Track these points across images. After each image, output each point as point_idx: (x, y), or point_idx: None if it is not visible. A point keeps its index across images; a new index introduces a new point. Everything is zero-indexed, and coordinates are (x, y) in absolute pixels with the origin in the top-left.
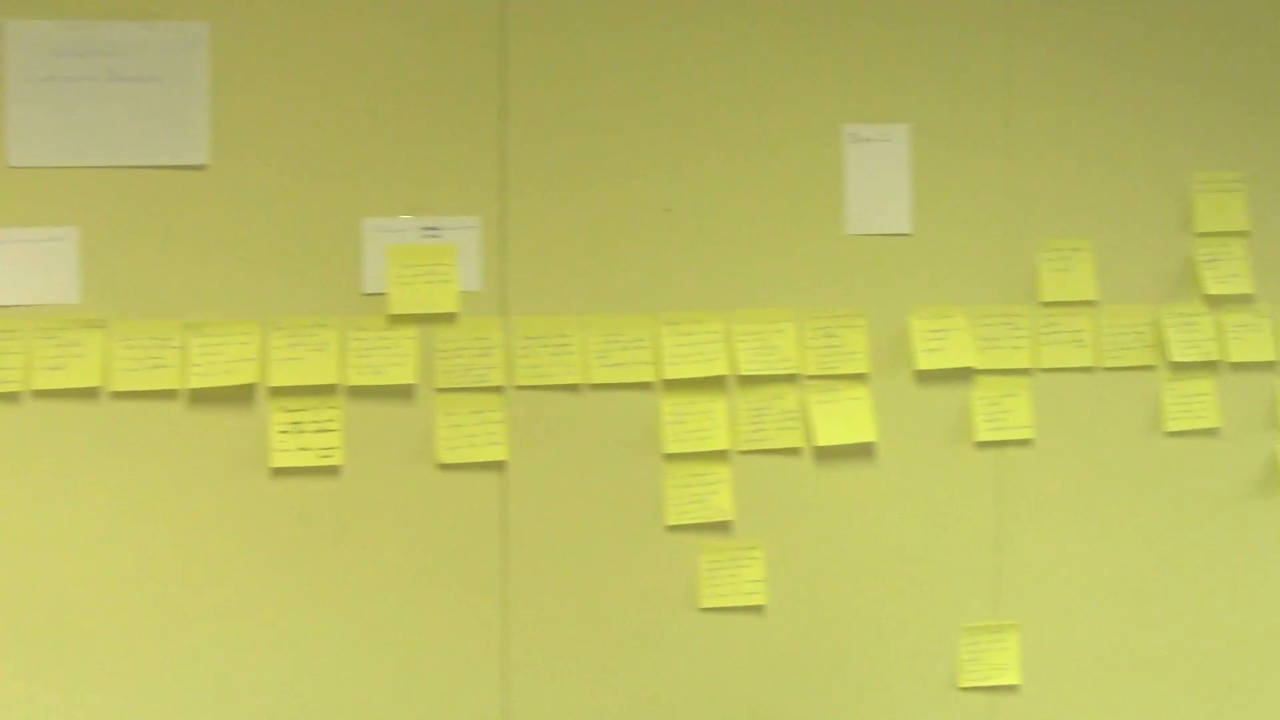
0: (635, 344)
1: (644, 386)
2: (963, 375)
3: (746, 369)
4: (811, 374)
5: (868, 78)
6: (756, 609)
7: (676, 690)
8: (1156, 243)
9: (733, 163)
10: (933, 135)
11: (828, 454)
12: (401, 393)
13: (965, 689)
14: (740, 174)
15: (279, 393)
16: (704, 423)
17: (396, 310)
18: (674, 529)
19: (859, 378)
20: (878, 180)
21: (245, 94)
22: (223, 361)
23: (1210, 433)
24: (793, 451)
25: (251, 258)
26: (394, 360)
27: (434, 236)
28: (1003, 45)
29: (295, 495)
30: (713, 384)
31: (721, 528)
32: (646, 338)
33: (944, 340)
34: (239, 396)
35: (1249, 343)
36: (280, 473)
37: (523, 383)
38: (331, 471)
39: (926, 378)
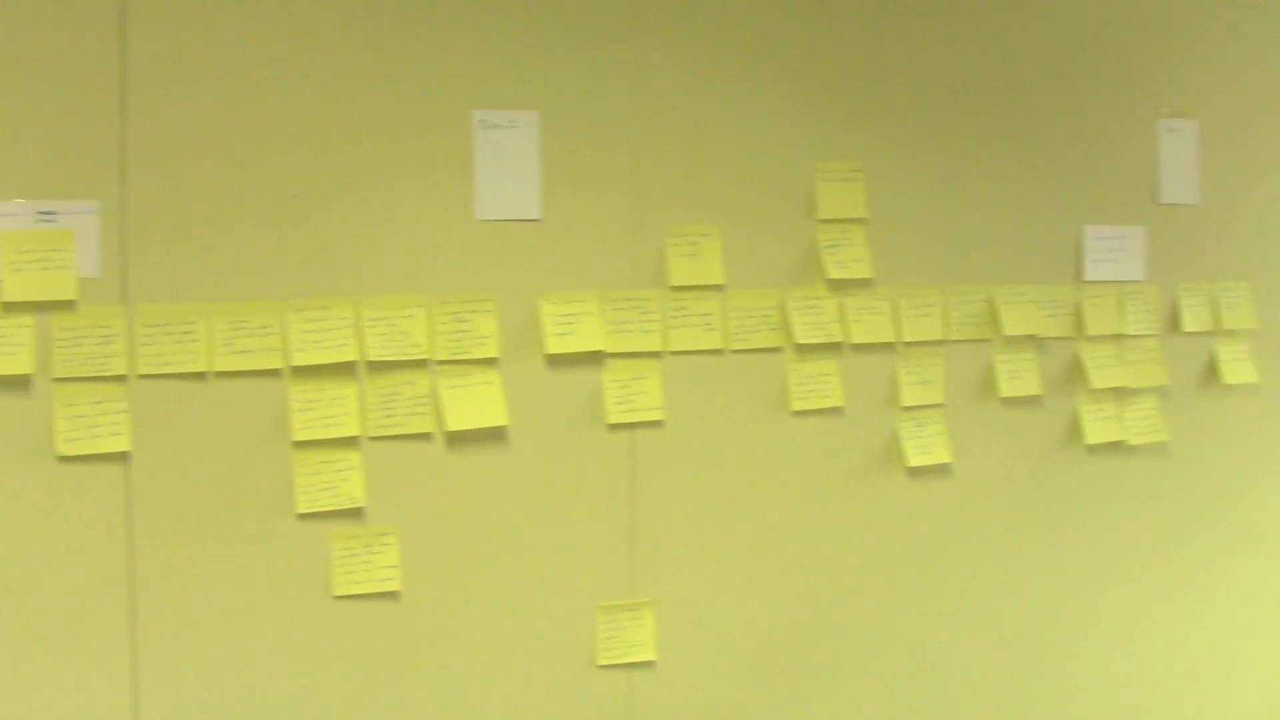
0: (262, 331)
1: (272, 373)
2: (594, 359)
3: (376, 355)
4: (442, 359)
5: (497, 64)
6: (392, 595)
7: (312, 678)
8: (781, 229)
9: (360, 148)
10: (562, 122)
11: (460, 438)
12: (17, 383)
13: (604, 666)
14: (368, 159)
15: None
16: (334, 409)
17: (10, 298)
18: (305, 517)
19: (490, 362)
20: (507, 166)
21: None
22: None
23: (834, 411)
24: (424, 437)
25: None
26: (8, 350)
27: (50, 221)
28: (631, 34)
29: None
30: (342, 370)
31: (354, 514)
32: (274, 324)
33: (574, 324)
34: None
35: (869, 325)
36: None
37: (146, 371)
38: None
39: (557, 361)
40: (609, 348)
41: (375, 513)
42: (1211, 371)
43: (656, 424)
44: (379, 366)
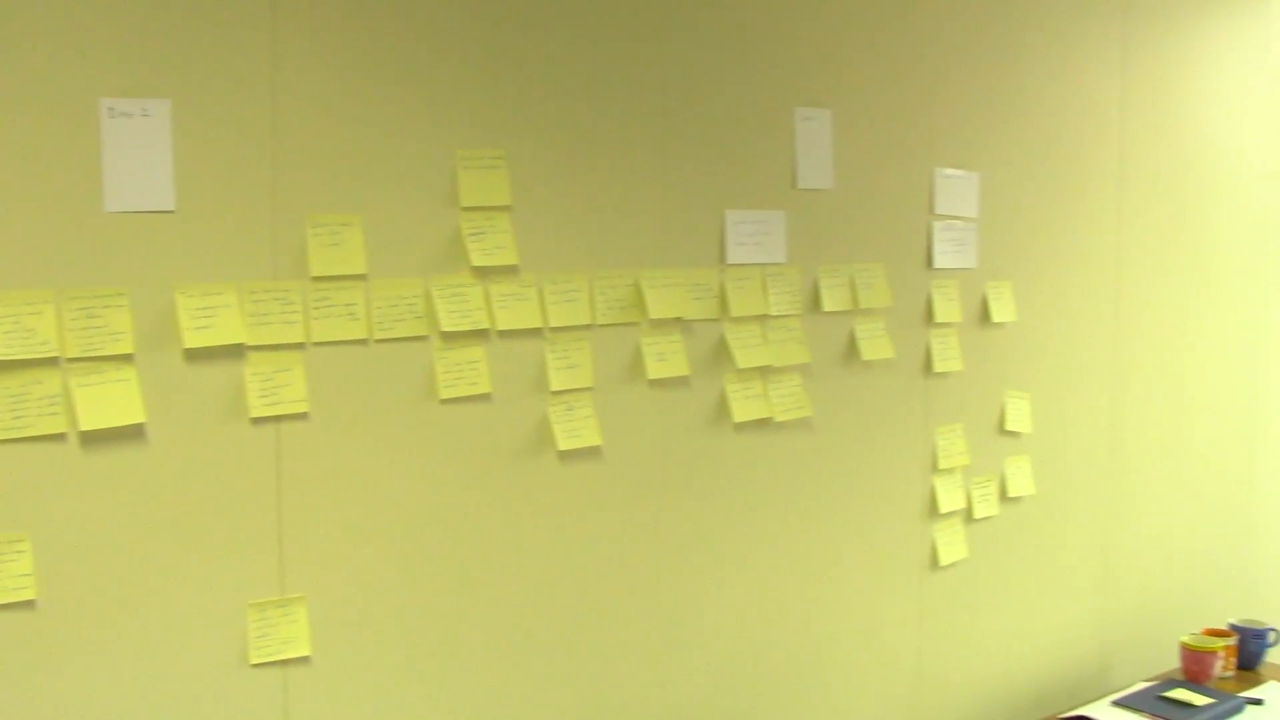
0: None
1: None
2: (235, 352)
3: (1, 354)
4: (73, 356)
5: (126, 50)
6: (27, 604)
7: None
8: (425, 217)
9: None
10: (197, 111)
11: (95, 438)
12: None
13: (257, 665)
14: None
15: None
16: None
17: None
18: None
19: (125, 358)
20: (138, 156)
21: None
22: None
23: (483, 398)
24: (58, 437)
25: None
26: None
27: None
28: (268, 20)
29: None
30: None
31: None
32: None
33: (213, 317)
34: None
35: (515, 311)
36: None
37: None
38: None
39: (196, 356)
40: (250, 340)
41: (6, 519)
42: (851, 348)
43: (302, 416)
44: (5, 366)
